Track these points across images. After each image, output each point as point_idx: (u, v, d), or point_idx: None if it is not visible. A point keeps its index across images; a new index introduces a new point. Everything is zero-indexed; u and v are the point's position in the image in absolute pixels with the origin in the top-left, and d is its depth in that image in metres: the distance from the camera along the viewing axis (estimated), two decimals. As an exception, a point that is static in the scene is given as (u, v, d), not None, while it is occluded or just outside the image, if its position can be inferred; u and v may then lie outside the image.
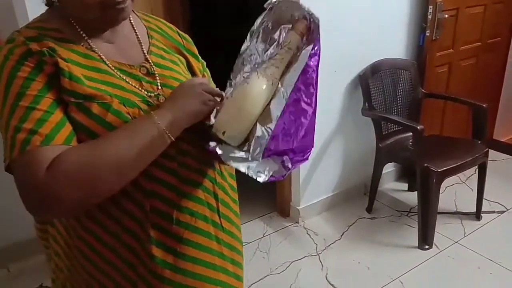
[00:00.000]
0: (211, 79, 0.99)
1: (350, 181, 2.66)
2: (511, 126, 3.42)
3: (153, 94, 0.79)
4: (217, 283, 0.83)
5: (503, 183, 2.77)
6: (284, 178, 0.75)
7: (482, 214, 2.44)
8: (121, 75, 0.77)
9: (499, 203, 2.57)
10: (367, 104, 2.42)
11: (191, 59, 0.92)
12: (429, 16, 2.45)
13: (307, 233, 2.40)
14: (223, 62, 1.16)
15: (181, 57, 0.90)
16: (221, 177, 0.87)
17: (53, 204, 0.65)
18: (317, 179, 2.50)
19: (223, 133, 0.74)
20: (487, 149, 2.31)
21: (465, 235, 2.32)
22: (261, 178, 0.72)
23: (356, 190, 2.71)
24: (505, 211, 2.51)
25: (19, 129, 0.66)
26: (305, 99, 0.74)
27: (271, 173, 0.73)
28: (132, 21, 0.86)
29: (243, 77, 0.80)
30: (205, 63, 0.97)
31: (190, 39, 0.95)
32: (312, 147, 0.75)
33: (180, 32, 0.95)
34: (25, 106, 0.67)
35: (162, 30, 0.91)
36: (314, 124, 0.75)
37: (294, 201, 2.52)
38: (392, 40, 2.51)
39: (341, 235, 2.37)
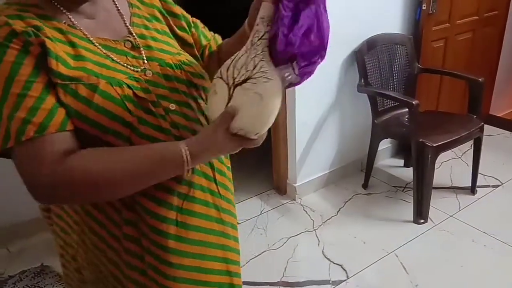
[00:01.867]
0: (206, 29, 0.98)
1: (347, 157, 2.67)
2: (507, 101, 3.42)
3: (139, 69, 0.78)
4: (217, 247, 0.86)
5: (498, 158, 2.78)
6: (301, 82, 0.74)
7: (477, 188, 2.46)
8: (107, 52, 0.76)
9: (494, 177, 2.59)
10: (363, 80, 2.41)
11: (172, 20, 0.90)
12: (426, -11, 2.42)
13: (303, 210, 2.43)
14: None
15: (163, 25, 0.88)
16: None
17: (55, 200, 0.76)
18: (313, 156, 2.51)
19: (256, 134, 0.71)
20: (482, 123, 2.31)
21: (460, 209, 2.35)
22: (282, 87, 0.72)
23: (353, 167, 2.72)
24: (500, 185, 2.54)
25: (12, 118, 0.66)
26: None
27: (286, 83, 0.73)
28: None
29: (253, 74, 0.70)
30: (189, 16, 0.95)
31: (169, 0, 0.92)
32: (324, 49, 0.72)
33: None
34: (16, 93, 0.66)
35: None
36: (322, 24, 0.71)
37: (290, 179, 2.54)
38: (388, 15, 2.48)
39: (338, 211, 2.39)
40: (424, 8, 2.46)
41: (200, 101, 0.84)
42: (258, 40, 0.71)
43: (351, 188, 2.58)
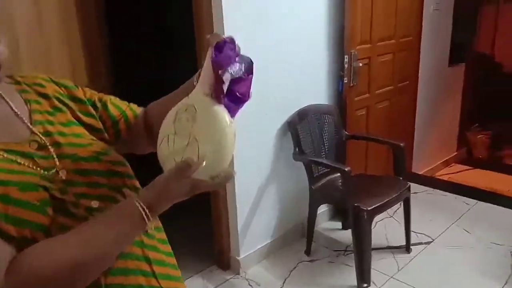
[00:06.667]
0: (117, 99, 0.92)
1: (287, 224, 2.69)
2: (426, 160, 3.73)
3: (52, 172, 0.71)
4: None
5: (426, 214, 2.96)
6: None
7: (411, 247, 2.57)
8: (10, 157, 0.69)
9: (425, 234, 2.73)
10: (297, 149, 2.50)
11: (76, 106, 0.84)
12: (346, 65, 2.65)
13: (249, 285, 2.35)
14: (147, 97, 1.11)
15: (66, 115, 0.81)
16: (148, 238, 0.80)
17: None
18: (255, 226, 2.49)
19: (213, 177, 0.70)
20: (409, 184, 2.47)
21: (399, 269, 2.42)
22: None
23: (294, 233, 2.73)
24: (431, 241, 2.68)
25: None
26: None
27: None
28: (1, 93, 0.76)
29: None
30: (96, 96, 0.89)
31: (70, 84, 0.86)
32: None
33: (57, 81, 0.86)
34: None
35: (40, 86, 0.82)
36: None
37: (233, 252, 2.47)
38: (315, 87, 2.66)
39: (283, 282, 2.35)
40: (345, 81, 2.68)
41: (125, 189, 0.78)
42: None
43: (294, 256, 2.57)
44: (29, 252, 0.63)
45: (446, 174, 3.89)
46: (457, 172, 3.94)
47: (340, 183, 2.54)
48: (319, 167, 2.57)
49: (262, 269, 2.48)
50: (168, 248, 0.87)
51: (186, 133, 0.69)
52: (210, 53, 0.71)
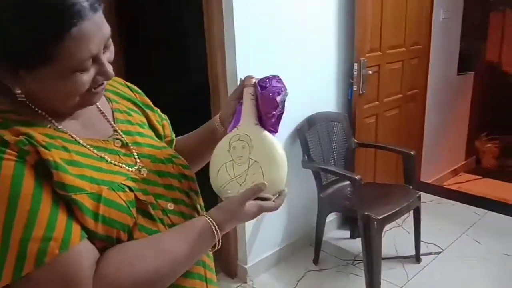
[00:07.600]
0: (170, 125, 0.96)
1: (295, 233, 2.66)
2: (434, 169, 3.69)
3: (134, 169, 0.73)
4: None
5: (435, 224, 2.93)
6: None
7: (421, 257, 2.54)
8: (99, 153, 0.70)
9: (434, 244, 2.70)
10: (306, 156, 2.49)
11: (149, 113, 0.87)
12: (355, 73, 2.63)
13: (256, 293, 2.33)
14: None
15: (142, 117, 0.85)
16: (208, 257, 0.85)
17: None
18: (262, 234, 2.47)
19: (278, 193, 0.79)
20: (419, 193, 2.44)
21: (408, 279, 2.39)
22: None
23: (302, 242, 2.71)
24: (441, 251, 2.64)
25: (28, 239, 0.56)
26: None
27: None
28: None
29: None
30: (159, 110, 0.93)
31: (141, 91, 0.90)
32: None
33: (130, 86, 0.89)
34: (26, 210, 0.57)
35: (117, 88, 0.85)
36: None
37: (240, 260, 2.45)
38: (324, 95, 2.65)
39: (291, 292, 2.32)
40: (355, 89, 2.66)
41: (191, 194, 0.80)
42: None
43: (302, 265, 2.54)
44: (110, 260, 0.63)
45: (454, 183, 3.85)
46: (466, 181, 3.91)
47: (349, 192, 2.52)
48: (328, 175, 2.55)
49: (270, 278, 2.45)
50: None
51: (245, 159, 0.77)
52: (249, 90, 0.81)
